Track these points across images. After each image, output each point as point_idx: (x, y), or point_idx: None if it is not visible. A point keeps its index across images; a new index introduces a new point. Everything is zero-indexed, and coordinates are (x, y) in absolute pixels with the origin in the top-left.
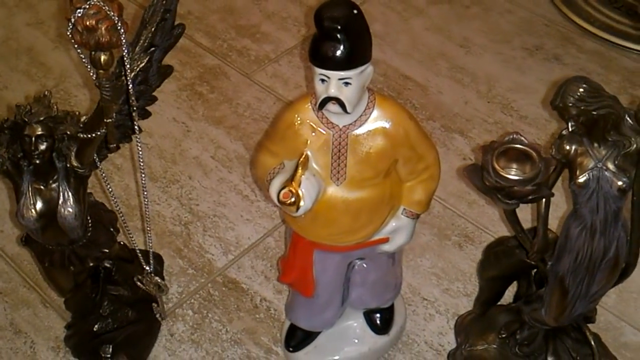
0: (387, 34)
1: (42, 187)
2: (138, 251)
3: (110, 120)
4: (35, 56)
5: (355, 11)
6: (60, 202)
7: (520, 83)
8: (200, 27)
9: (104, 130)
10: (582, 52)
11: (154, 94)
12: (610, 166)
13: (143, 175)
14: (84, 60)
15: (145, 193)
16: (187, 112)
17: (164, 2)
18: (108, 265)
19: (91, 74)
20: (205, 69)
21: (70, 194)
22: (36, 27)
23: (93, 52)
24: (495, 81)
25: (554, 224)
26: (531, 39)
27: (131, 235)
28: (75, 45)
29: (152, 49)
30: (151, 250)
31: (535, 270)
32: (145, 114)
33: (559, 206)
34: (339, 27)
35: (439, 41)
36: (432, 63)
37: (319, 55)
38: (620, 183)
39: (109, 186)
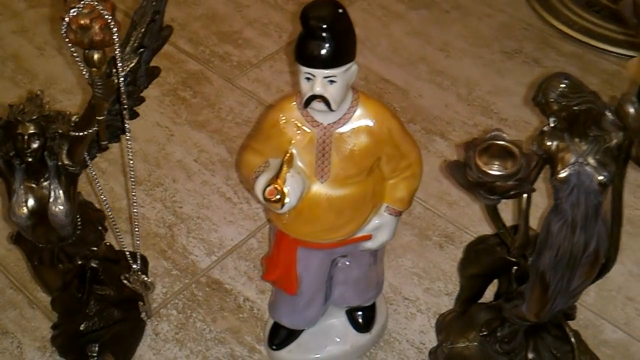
0: (367, 39)
1: (33, 185)
2: (127, 252)
3: (101, 117)
4: (21, 63)
5: (340, 10)
6: (51, 199)
7: (500, 86)
8: (183, 34)
9: (95, 129)
10: (561, 55)
11: (141, 94)
12: (591, 161)
13: (132, 173)
14: (77, 59)
15: (134, 191)
16: (170, 117)
17: (154, 3)
18: (94, 266)
19: (84, 72)
20: (188, 74)
21: (61, 191)
22: (21, 35)
23: (86, 51)
24: (475, 84)
25: (534, 223)
26: (510, 43)
27: (120, 235)
28: (69, 44)
29: (142, 49)
30: (139, 249)
31: (515, 267)
32: (133, 115)
33: (538, 206)
34: (325, 26)
35: (419, 45)
36: (412, 67)
37: (304, 53)
38: (600, 178)
39: (98, 185)
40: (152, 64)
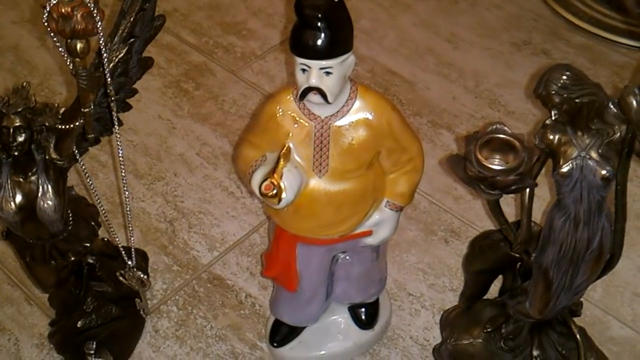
0: (374, 30)
1: (21, 179)
2: (121, 247)
3: (87, 110)
4: (21, 54)
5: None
6: (39, 194)
7: (508, 78)
8: (186, 24)
9: (82, 121)
10: (570, 46)
11: (134, 86)
12: (594, 155)
13: (123, 168)
14: (60, 49)
15: (126, 187)
16: (172, 109)
17: None
18: (91, 262)
19: (67, 62)
20: (191, 66)
21: (49, 186)
22: (21, 26)
23: (69, 40)
24: (483, 76)
25: (538, 217)
26: (519, 34)
27: (113, 231)
28: (52, 33)
29: (132, 39)
30: (133, 245)
31: (520, 263)
32: (126, 107)
33: (545, 200)
34: (320, 16)
35: (426, 37)
36: (419, 59)
37: (299, 44)
38: (604, 172)
39: (90, 181)
40: (154, 54)
